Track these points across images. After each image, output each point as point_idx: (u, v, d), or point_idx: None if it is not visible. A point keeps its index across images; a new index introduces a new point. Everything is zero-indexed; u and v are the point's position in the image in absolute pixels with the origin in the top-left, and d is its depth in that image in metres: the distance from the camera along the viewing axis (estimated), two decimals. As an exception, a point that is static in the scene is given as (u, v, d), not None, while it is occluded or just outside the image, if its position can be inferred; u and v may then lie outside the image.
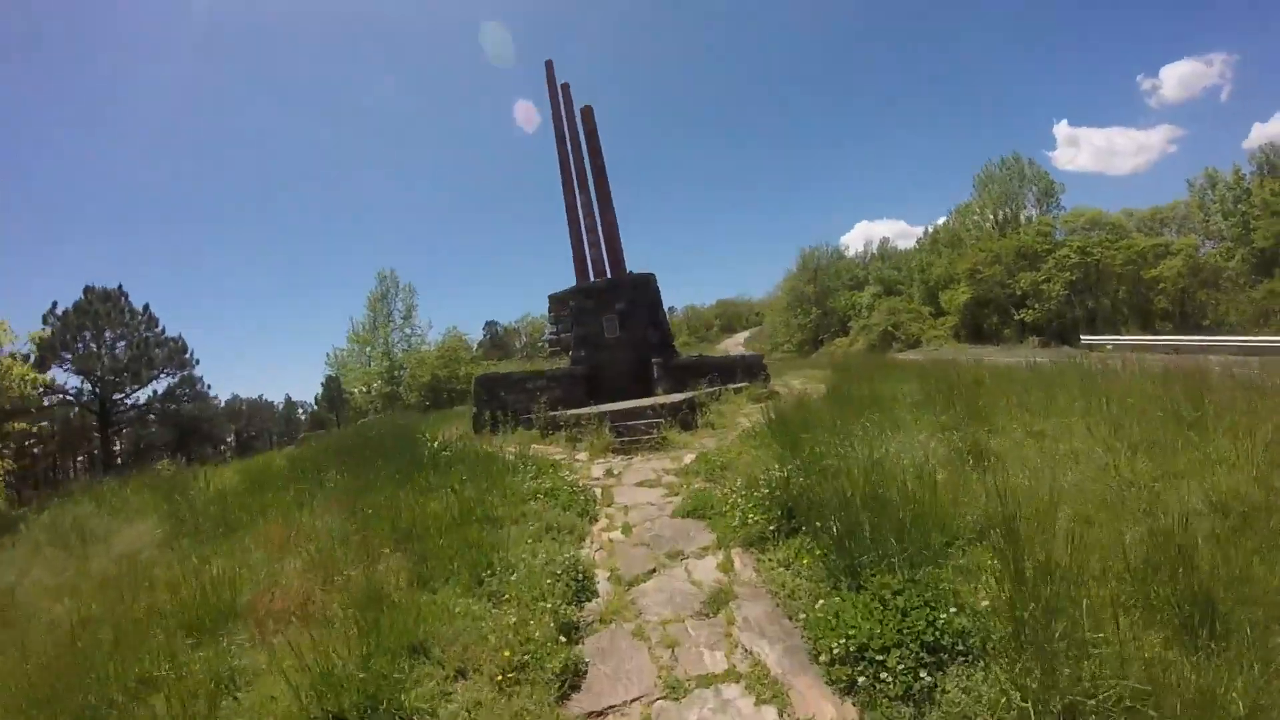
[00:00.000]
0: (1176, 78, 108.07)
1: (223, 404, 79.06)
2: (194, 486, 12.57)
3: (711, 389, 16.30)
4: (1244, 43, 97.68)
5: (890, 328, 53.38)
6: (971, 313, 49.07)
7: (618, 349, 18.69)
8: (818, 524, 5.88)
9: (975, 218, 53.24)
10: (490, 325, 76.09)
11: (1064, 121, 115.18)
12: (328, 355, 42.39)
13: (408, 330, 42.82)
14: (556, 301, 20.96)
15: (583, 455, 12.31)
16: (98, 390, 36.90)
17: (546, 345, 21.35)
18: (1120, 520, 5.45)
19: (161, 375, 39.65)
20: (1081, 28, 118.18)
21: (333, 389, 50.64)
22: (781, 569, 5.90)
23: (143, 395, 39.78)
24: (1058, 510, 5.59)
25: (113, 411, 38.20)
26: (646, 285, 19.58)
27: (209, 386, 44.42)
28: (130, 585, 7.03)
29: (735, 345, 65.66)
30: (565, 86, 21.71)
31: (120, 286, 38.55)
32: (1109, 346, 35.22)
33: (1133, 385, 10.07)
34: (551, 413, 15.06)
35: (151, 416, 40.43)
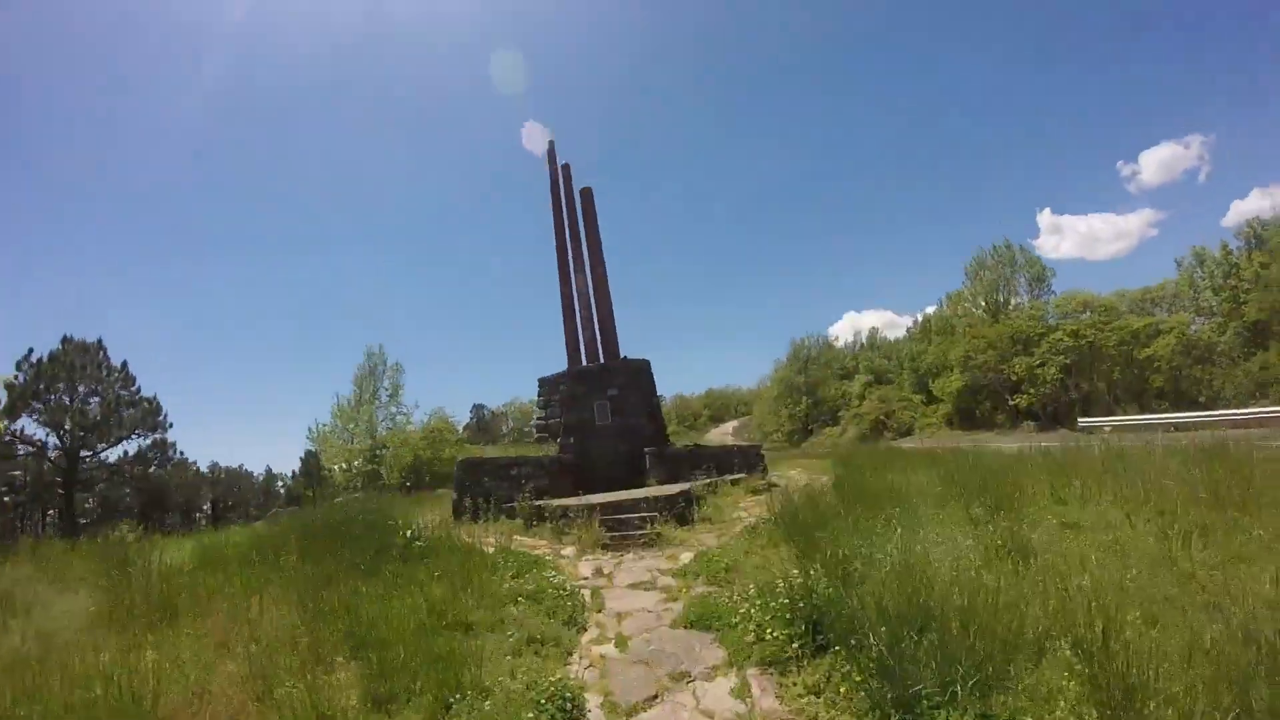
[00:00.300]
0: (1155, 162, 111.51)
1: (202, 470, 77.70)
2: (144, 559, 11.38)
3: (708, 480, 15.36)
4: (1219, 120, 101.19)
5: (882, 416, 52.91)
6: (964, 399, 48.59)
7: (609, 436, 17.78)
8: (852, 641, 4.91)
9: (967, 304, 53.20)
10: (477, 409, 75.02)
11: (1047, 210, 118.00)
12: (309, 429, 40.96)
13: (393, 409, 41.85)
14: (546, 385, 20.15)
15: (569, 550, 11.25)
16: (64, 444, 35.40)
17: (535, 430, 20.40)
18: (1190, 618, 4.80)
19: (132, 436, 38.17)
20: (1062, 116, 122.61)
21: (311, 464, 48.92)
22: (811, 697, 4.90)
23: (113, 455, 38.24)
24: (1123, 612, 4.73)
25: (80, 469, 36.55)
26: (641, 371, 18.84)
27: (182, 452, 42.92)
28: (38, 674, 5.88)
29: (724, 434, 64.74)
30: (566, 168, 21.55)
31: (100, 340, 37.56)
32: (1107, 428, 34.61)
33: (1157, 465, 9.35)
34: (536, 502, 14.01)
35: (119, 478, 38.64)
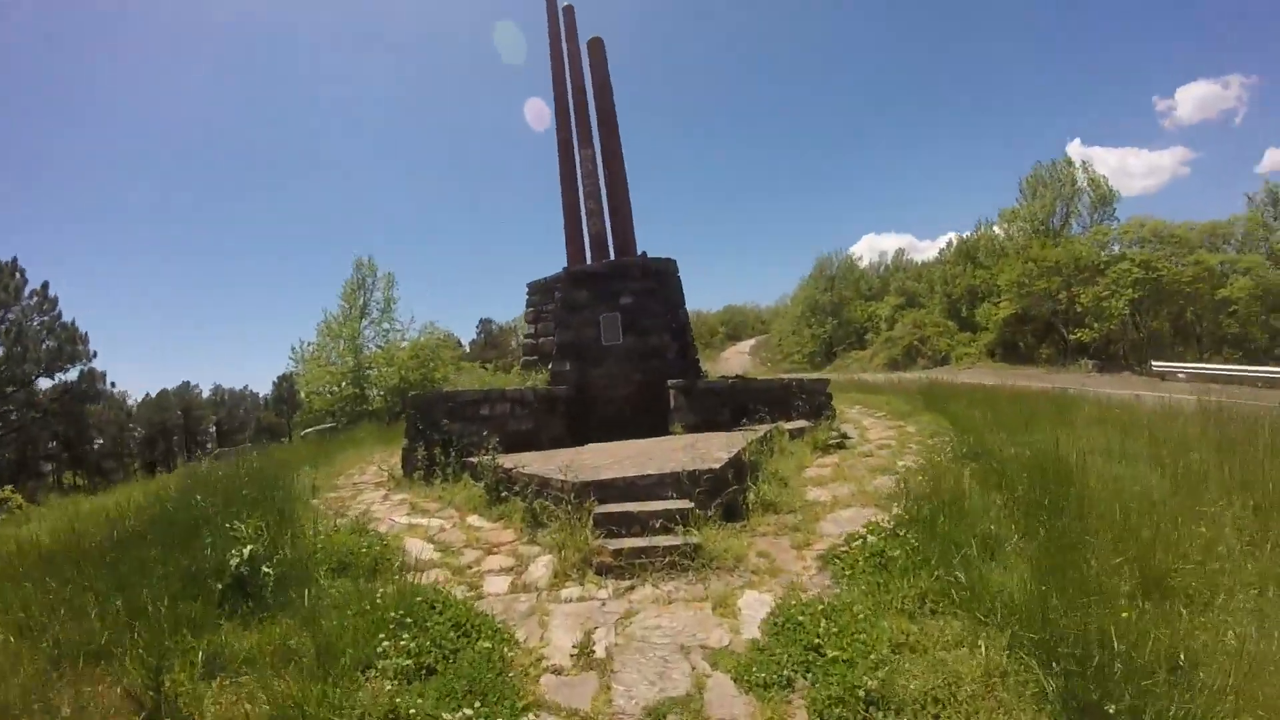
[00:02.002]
0: (1192, 99, 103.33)
1: (204, 394, 73.78)
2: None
3: (756, 431, 10.35)
4: (1262, 66, 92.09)
5: (916, 342, 47.61)
6: (1011, 330, 43.09)
7: (619, 362, 12.71)
8: None
9: (1022, 224, 46.69)
10: (485, 323, 69.58)
11: (1076, 140, 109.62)
12: (292, 349, 35.58)
13: (385, 325, 36.40)
14: (539, 291, 15.03)
15: (542, 570, 6.32)
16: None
17: (521, 352, 15.41)
18: None
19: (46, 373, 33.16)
20: (1098, 47, 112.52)
21: (284, 389, 43.90)
22: None
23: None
24: None
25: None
26: (665, 275, 13.65)
27: (114, 383, 38.23)
28: None
29: (740, 353, 59.80)
30: (569, 10, 15.73)
31: (15, 259, 32.35)
32: (1181, 375, 29.32)
33: None
34: (504, 463, 9.10)
35: (35, 414, 33.69)
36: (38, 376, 31.71)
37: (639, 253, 13.66)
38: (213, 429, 68.58)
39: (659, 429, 11.94)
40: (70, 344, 32.55)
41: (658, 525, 6.68)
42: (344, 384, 33.10)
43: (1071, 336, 38.64)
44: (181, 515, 7.01)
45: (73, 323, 33.54)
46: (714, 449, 8.85)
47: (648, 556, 6.15)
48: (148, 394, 70.70)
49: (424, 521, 8.33)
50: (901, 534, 5.92)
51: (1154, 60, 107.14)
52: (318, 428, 25.25)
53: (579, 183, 14.29)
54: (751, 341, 67.41)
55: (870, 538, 6.11)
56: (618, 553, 6.20)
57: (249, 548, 5.59)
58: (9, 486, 17.77)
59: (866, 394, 18.54)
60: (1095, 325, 37.40)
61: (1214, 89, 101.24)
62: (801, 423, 11.67)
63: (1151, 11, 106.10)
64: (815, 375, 13.09)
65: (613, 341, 12.70)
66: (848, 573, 5.60)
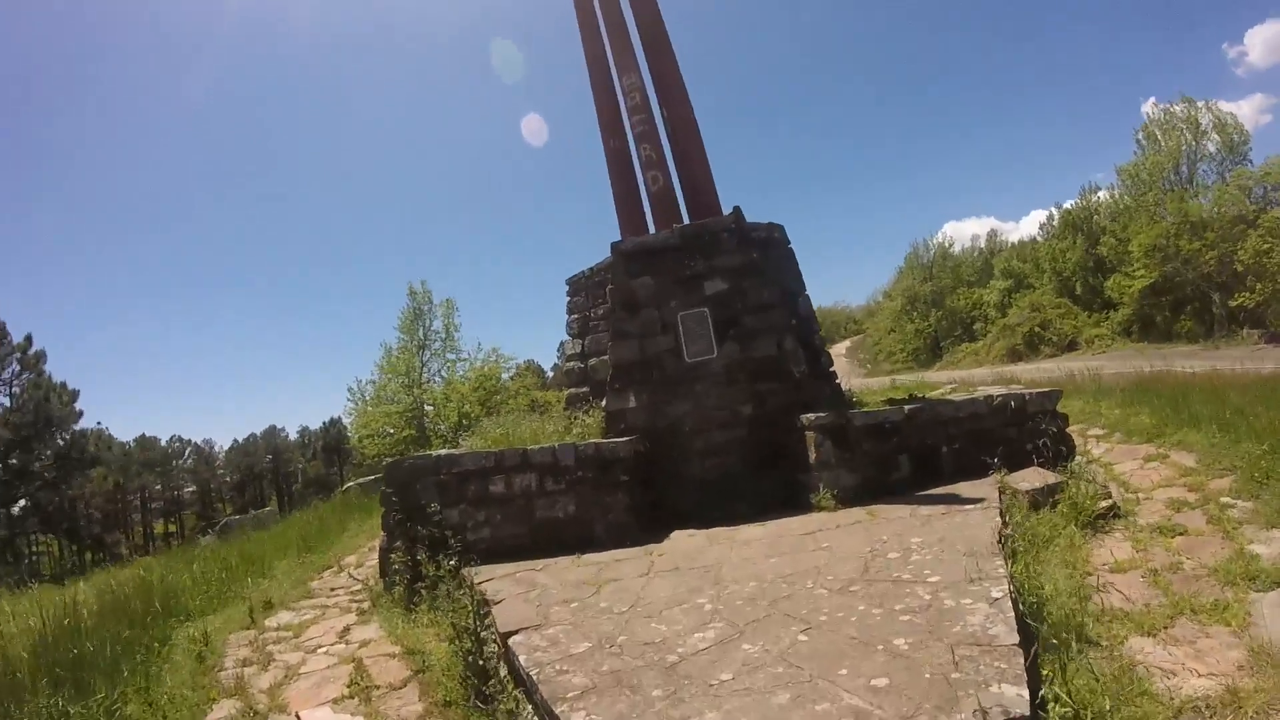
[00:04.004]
0: (1262, 41, 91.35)
1: (291, 437, 72.21)
2: None
3: (982, 508, 5.13)
4: None
5: (1037, 328, 40.64)
6: (1149, 303, 35.94)
7: (714, 389, 7.57)
8: None
9: (1146, 179, 39.00)
10: (565, 344, 64.89)
11: (1151, 99, 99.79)
12: (350, 389, 31.01)
13: (450, 356, 31.52)
14: (584, 290, 10.10)
15: None
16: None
17: (564, 380, 10.55)
18: None
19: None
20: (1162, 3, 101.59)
21: (332, 437, 39.61)
22: None
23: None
24: None
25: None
26: (773, 244, 8.53)
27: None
28: None
29: (836, 356, 53.53)
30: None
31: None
32: None
33: None
34: (508, 634, 4.14)
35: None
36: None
37: (722, 213, 8.49)
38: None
39: (790, 500, 6.77)
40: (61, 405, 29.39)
41: None
42: (400, 425, 28.69)
43: (1234, 302, 31.11)
44: None
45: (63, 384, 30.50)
46: (950, 576, 3.67)
47: None
48: (235, 440, 69.95)
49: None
50: None
51: (1216, 5, 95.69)
52: (363, 480, 20.99)
53: (625, 121, 9.21)
54: (846, 344, 60.77)
55: None
56: None
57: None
58: None
59: (1116, 407, 12.39)
60: (1259, 286, 29.89)
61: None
62: (1032, 474, 6.32)
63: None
64: (1038, 389, 7.46)
65: (701, 355, 7.54)
66: None
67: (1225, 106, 40.70)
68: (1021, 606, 3.28)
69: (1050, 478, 6.23)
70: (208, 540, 14.86)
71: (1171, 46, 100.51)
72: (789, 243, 9.09)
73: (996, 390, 8.25)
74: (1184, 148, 39.17)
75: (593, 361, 9.54)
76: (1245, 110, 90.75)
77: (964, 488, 6.16)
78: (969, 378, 20.58)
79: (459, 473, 6.94)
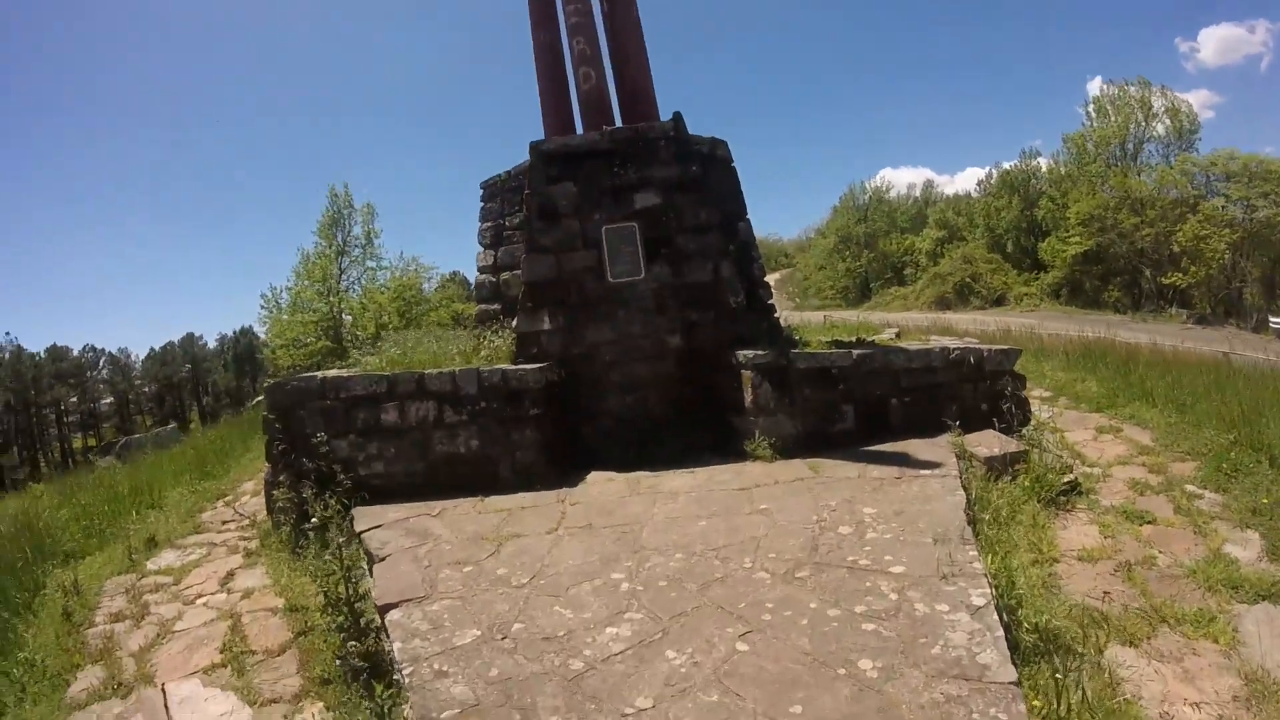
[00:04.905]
0: (1215, 42, 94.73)
1: (211, 345, 68.61)
2: None
3: (939, 472, 4.47)
4: None
5: (968, 279, 41.17)
6: (1080, 270, 36.71)
7: (639, 315, 6.68)
8: None
9: (1091, 147, 39.36)
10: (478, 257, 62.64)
11: (1097, 79, 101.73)
12: (263, 296, 28.63)
13: (371, 263, 29.50)
14: (499, 194, 8.95)
15: None
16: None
17: (474, 297, 9.50)
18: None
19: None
20: None
21: (243, 345, 37.28)
22: None
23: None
24: None
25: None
26: (715, 161, 7.56)
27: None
28: None
29: (763, 292, 53.34)
30: None
31: None
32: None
33: None
34: (394, 607, 3.38)
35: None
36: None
37: (660, 119, 7.43)
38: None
39: (720, 445, 6.02)
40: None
41: None
42: (317, 335, 26.79)
43: (1167, 280, 31.87)
44: None
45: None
46: (917, 568, 3.06)
47: None
48: (152, 349, 66.03)
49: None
50: None
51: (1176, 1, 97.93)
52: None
53: (559, 11, 7.91)
54: (776, 275, 60.40)
55: None
56: None
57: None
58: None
59: (1076, 375, 11.63)
60: (1193, 270, 30.71)
61: (1239, 33, 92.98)
62: (990, 439, 5.70)
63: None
64: (997, 346, 6.80)
65: (627, 276, 6.59)
66: None
67: (1171, 97, 41.07)
68: (1005, 616, 2.57)
69: (1010, 445, 5.60)
70: (106, 462, 13.63)
71: (1124, 32, 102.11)
72: (732, 161, 8.11)
73: (951, 342, 7.57)
74: (1133, 126, 39.54)
75: (505, 276, 8.45)
76: (1191, 103, 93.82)
77: (916, 446, 5.51)
78: (905, 321, 20.24)
79: (347, 398, 5.96)
